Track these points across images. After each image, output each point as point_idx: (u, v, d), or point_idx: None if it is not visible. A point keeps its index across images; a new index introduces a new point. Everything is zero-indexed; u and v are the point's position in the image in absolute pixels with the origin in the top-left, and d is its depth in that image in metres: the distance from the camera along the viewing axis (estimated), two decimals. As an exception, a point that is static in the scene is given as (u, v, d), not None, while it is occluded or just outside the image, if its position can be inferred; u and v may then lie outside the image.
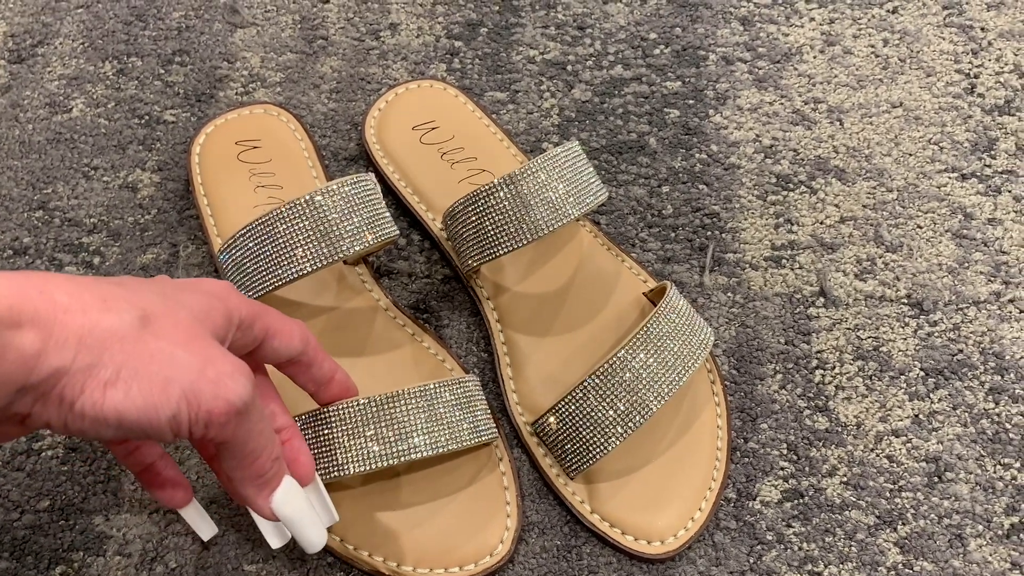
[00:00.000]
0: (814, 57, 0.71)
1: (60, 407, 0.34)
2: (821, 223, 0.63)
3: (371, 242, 0.51)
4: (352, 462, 0.49)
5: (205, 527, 0.49)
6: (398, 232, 0.53)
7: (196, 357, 0.36)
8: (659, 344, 0.51)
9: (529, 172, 0.52)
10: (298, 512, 0.43)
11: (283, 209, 0.50)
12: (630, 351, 0.51)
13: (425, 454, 0.49)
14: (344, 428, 0.49)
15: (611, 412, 0.50)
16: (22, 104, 0.67)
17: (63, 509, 0.53)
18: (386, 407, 0.49)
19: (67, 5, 0.72)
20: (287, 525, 0.44)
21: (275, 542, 0.47)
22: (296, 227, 0.50)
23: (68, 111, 0.67)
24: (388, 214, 0.53)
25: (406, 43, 0.71)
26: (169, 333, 0.36)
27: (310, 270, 0.50)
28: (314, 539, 0.45)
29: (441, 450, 0.49)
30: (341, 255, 0.50)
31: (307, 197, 0.50)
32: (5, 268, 0.61)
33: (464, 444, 0.50)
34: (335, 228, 0.50)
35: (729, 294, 0.61)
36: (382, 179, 0.63)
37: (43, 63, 0.69)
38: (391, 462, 0.49)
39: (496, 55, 0.70)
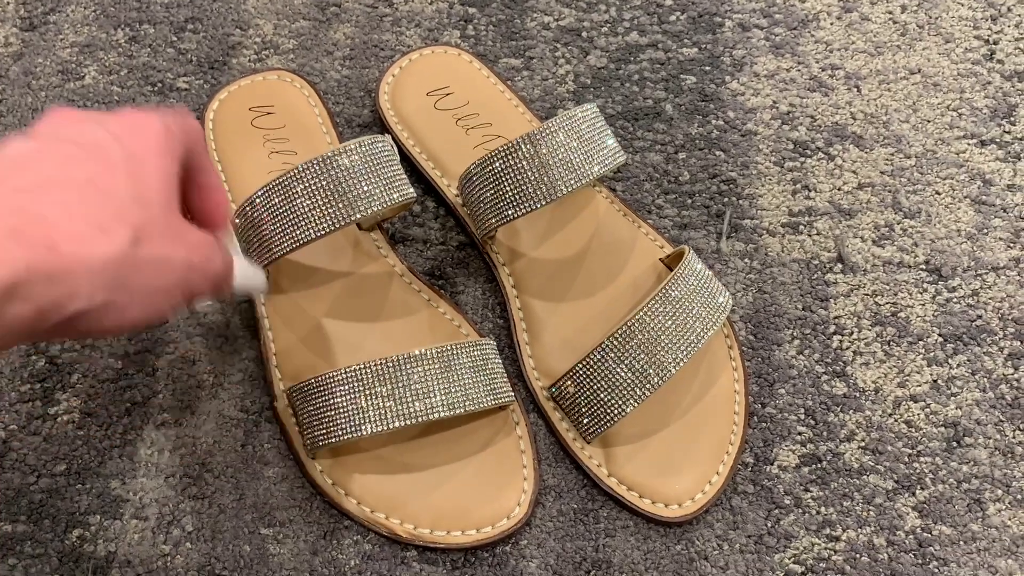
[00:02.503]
0: (831, 23, 0.70)
1: (81, 329, 0.36)
2: (839, 189, 0.63)
3: (388, 202, 0.51)
4: (369, 422, 0.48)
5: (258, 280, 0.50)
6: (415, 194, 0.53)
7: (182, 252, 0.39)
8: (677, 306, 0.51)
9: (548, 132, 0.52)
10: (243, 276, 0.46)
11: (300, 168, 0.49)
12: (648, 312, 0.50)
13: (442, 414, 0.49)
14: (361, 388, 0.49)
15: (629, 374, 0.50)
16: (34, 72, 0.67)
17: (79, 473, 0.53)
18: (404, 368, 0.49)
19: (78, -27, 0.72)
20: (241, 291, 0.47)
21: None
22: (313, 186, 0.49)
23: (81, 79, 0.67)
24: (405, 176, 0.53)
25: (419, 9, 0.70)
26: (158, 241, 0.37)
27: (328, 230, 0.50)
28: (259, 284, 0.49)
29: (458, 411, 0.49)
30: (359, 215, 0.50)
31: (325, 156, 0.50)
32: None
33: (481, 406, 0.50)
34: (352, 188, 0.50)
35: (746, 260, 0.60)
36: (396, 145, 0.63)
37: (55, 30, 0.69)
38: (408, 422, 0.48)
39: (510, 21, 0.69)
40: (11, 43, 0.68)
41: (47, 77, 0.67)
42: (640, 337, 0.50)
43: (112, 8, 0.70)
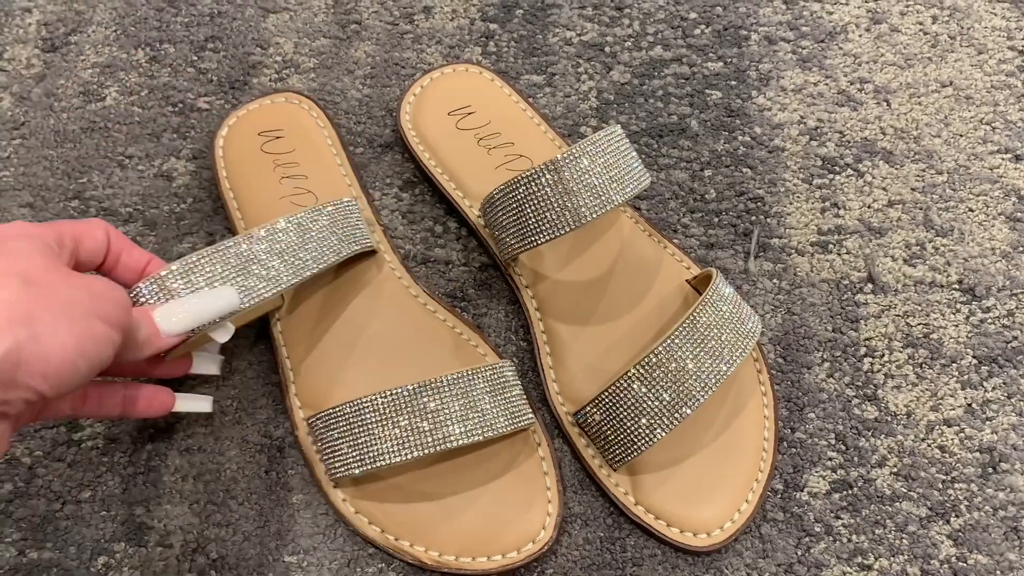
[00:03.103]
0: (860, 36, 0.69)
1: (32, 370, 0.38)
2: (869, 207, 0.62)
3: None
4: (388, 452, 0.48)
5: (202, 403, 0.53)
6: (372, 245, 0.55)
7: (79, 284, 0.40)
8: (706, 333, 0.50)
9: (571, 158, 0.51)
10: (187, 313, 0.45)
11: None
12: (676, 341, 0.49)
13: (461, 442, 0.48)
14: (377, 419, 0.48)
15: (656, 403, 0.49)
16: (56, 93, 0.67)
17: (104, 500, 0.53)
18: (420, 396, 0.48)
19: (99, -8, 0.72)
20: (198, 326, 0.46)
21: (212, 368, 0.54)
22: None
23: (102, 99, 0.67)
24: (366, 232, 0.56)
25: (440, 26, 0.69)
26: (51, 277, 0.40)
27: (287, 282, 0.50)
28: (226, 302, 0.47)
29: (477, 438, 0.49)
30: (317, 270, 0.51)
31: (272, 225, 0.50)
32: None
33: (500, 431, 0.49)
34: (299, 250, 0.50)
35: (775, 280, 0.59)
36: (418, 166, 0.62)
37: (76, 51, 0.69)
38: (427, 451, 0.48)
39: (532, 37, 0.69)
40: (33, 64, 0.68)
41: (69, 99, 0.67)
42: (667, 365, 0.49)
43: (132, 28, 0.70)
